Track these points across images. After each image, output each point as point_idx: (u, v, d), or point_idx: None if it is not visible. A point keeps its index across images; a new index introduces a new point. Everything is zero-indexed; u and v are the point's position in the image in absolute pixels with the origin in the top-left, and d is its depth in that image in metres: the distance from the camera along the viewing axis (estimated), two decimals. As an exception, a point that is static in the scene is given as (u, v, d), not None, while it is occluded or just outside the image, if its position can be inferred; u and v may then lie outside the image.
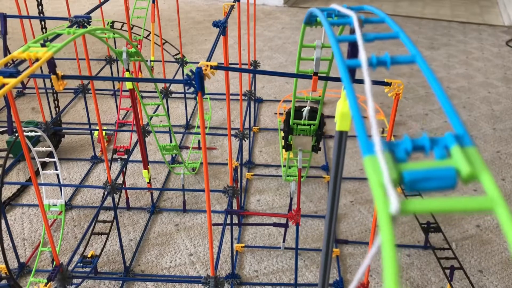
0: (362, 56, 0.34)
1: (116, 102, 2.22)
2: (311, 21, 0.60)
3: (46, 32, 1.89)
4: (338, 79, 0.71)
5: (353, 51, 0.50)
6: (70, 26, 1.09)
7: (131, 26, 1.98)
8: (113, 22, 2.34)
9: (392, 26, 0.42)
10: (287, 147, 1.47)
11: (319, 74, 0.96)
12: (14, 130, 1.72)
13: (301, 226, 1.57)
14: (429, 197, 0.27)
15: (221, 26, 1.05)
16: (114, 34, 1.08)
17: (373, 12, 0.47)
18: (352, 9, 0.49)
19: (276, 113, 2.32)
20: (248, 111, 1.93)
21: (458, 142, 0.29)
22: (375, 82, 0.83)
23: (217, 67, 0.82)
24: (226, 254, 1.46)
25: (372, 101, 0.32)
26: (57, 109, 2.03)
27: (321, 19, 0.44)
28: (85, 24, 1.12)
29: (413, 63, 0.38)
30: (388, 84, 0.83)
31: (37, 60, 0.73)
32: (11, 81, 0.66)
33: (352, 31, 0.45)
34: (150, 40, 2.22)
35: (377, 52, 3.12)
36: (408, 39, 0.40)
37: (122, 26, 2.53)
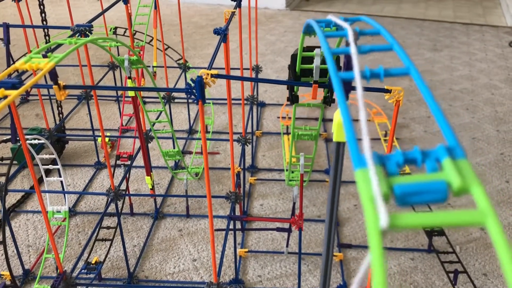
0: (356, 69, 0.34)
1: (119, 108, 2.23)
2: (309, 31, 0.61)
3: (48, 39, 1.91)
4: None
5: (349, 62, 0.51)
6: (72, 35, 1.10)
7: (134, 32, 1.99)
8: (115, 28, 2.35)
9: (387, 38, 0.42)
10: (294, 99, 1.28)
11: (319, 82, 0.96)
12: (18, 138, 1.73)
13: (304, 230, 1.57)
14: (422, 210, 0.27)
15: (222, 34, 1.06)
16: (116, 42, 1.09)
17: (369, 23, 0.47)
18: (349, 20, 0.49)
19: (278, 117, 2.32)
20: (250, 116, 1.93)
21: (450, 155, 0.29)
22: (376, 89, 0.83)
23: (218, 76, 0.83)
24: (229, 259, 1.46)
25: (364, 113, 0.32)
26: (60, 115, 2.05)
27: (317, 32, 0.45)
28: (87, 32, 1.13)
29: (407, 75, 0.38)
30: (388, 91, 0.83)
31: (39, 70, 0.74)
32: (13, 93, 0.67)
33: (348, 43, 0.46)
34: (153, 46, 2.23)
35: (379, 58, 3.12)
36: (402, 50, 0.40)
37: (125, 31, 2.55)
